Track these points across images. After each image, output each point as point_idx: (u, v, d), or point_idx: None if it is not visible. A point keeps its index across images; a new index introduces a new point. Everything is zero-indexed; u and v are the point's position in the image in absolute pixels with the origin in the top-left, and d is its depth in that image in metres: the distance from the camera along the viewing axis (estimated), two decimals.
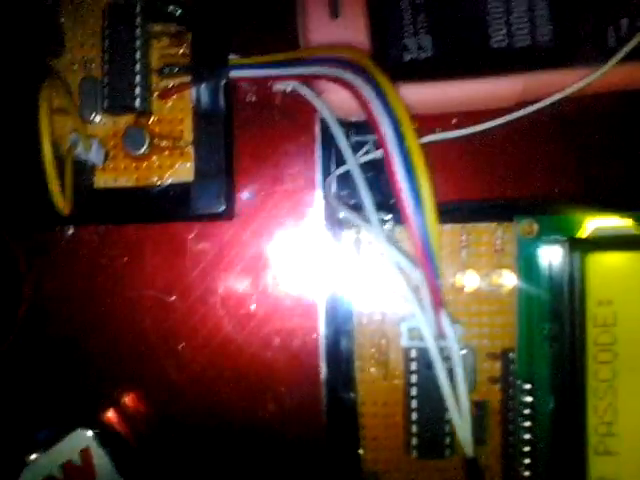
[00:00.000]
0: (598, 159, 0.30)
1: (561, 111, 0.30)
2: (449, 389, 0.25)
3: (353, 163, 0.26)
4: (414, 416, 0.28)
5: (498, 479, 0.29)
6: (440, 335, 0.25)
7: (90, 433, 0.28)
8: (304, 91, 0.27)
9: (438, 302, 0.24)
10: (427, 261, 0.23)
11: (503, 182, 0.30)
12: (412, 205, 0.23)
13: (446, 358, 0.26)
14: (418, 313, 0.25)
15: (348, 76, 0.25)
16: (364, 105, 0.24)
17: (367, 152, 0.28)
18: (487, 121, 0.29)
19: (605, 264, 0.27)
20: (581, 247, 0.27)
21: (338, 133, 0.27)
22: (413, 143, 0.23)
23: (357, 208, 0.27)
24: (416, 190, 0.23)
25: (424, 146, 0.30)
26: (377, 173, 0.28)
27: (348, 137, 0.28)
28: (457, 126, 0.30)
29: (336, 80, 0.26)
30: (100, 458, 0.28)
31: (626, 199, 0.29)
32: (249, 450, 0.30)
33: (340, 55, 0.25)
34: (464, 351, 0.28)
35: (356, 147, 0.28)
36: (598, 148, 0.30)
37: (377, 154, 0.28)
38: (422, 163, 0.23)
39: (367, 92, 0.24)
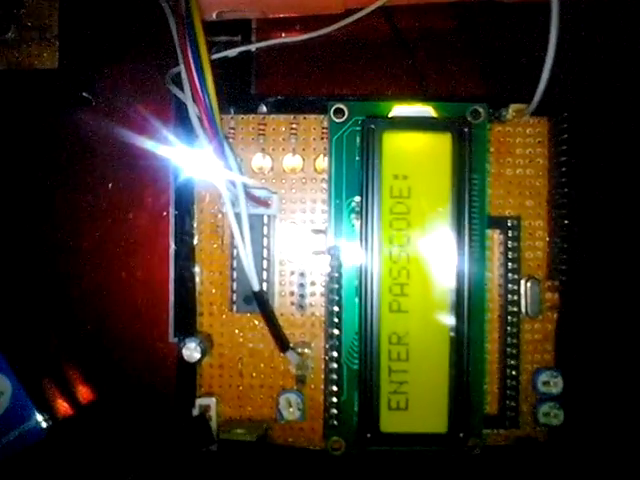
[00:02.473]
0: (424, 61, 0.34)
1: (396, 21, 0.34)
2: (239, 236, 0.28)
3: (178, 48, 0.30)
4: (234, 275, 0.32)
5: (319, 339, 0.32)
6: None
7: None
8: None
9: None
10: (211, 127, 0.28)
11: (335, 80, 0.34)
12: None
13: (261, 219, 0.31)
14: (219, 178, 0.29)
15: None
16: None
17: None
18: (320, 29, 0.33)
19: (400, 142, 0.30)
20: (378, 126, 0.30)
21: (173, 31, 0.31)
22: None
23: None
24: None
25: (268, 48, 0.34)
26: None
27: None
28: (300, 32, 0.34)
29: None
30: None
31: (432, 92, 0.33)
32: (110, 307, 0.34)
33: None
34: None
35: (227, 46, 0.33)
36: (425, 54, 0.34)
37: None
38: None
39: None
